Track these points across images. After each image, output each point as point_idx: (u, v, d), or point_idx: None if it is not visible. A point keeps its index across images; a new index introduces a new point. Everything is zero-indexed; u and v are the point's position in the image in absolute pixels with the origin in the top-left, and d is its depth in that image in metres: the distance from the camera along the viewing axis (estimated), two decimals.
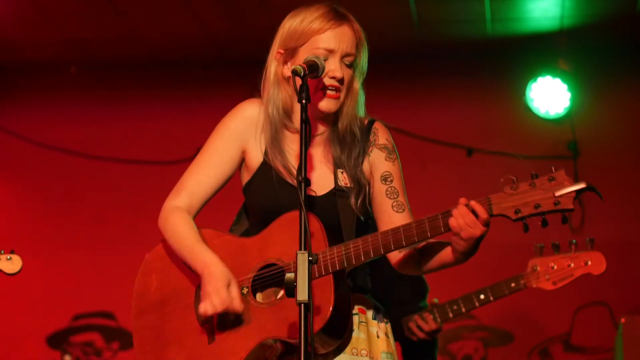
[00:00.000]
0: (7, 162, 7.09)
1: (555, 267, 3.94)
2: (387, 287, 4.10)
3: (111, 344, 6.85)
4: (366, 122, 3.02)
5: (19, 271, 3.62)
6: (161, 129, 6.98)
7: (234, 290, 2.82)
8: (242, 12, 6.10)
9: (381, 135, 3.01)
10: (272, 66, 2.97)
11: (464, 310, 4.12)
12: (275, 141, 2.94)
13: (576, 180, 2.69)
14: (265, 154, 2.97)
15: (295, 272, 2.54)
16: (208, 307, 2.81)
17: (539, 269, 3.97)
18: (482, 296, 4.11)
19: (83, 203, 6.98)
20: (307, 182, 2.65)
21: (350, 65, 2.94)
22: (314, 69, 2.78)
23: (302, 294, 2.52)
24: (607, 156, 6.54)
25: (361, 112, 3.01)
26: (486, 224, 2.69)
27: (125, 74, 7.10)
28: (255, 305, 2.85)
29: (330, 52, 2.90)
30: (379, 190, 2.95)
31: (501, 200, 2.67)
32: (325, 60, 2.89)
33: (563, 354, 6.45)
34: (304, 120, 2.66)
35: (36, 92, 7.16)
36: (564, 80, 6.52)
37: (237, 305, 2.81)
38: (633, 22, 6.28)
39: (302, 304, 2.52)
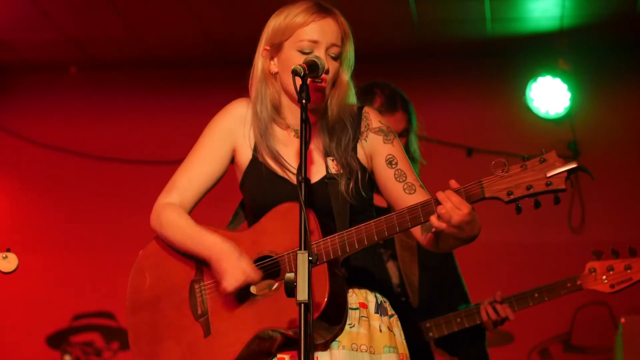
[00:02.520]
0: (7, 162, 7.09)
1: (614, 270, 3.89)
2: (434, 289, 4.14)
3: (111, 344, 6.85)
4: (355, 108, 3.02)
5: (15, 269, 3.60)
6: (161, 129, 6.97)
7: (247, 262, 2.83)
8: (242, 12, 6.10)
9: (373, 118, 3.01)
10: (259, 63, 3.01)
11: (516, 308, 4.12)
12: (264, 137, 2.96)
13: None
14: (255, 150, 2.99)
15: (295, 271, 2.54)
16: (231, 282, 2.81)
17: (596, 270, 3.92)
18: (536, 295, 4.10)
19: (83, 203, 6.98)
20: (307, 182, 2.65)
21: (336, 58, 2.95)
22: (314, 68, 2.79)
23: (302, 294, 2.52)
24: (607, 156, 6.53)
25: (352, 100, 3.02)
26: (467, 208, 2.65)
27: (125, 74, 7.10)
28: (250, 297, 2.86)
29: (315, 43, 2.91)
30: (387, 175, 2.95)
31: (493, 183, 2.65)
32: (310, 52, 2.91)
33: (563, 354, 6.45)
34: (304, 120, 2.67)
35: (36, 92, 7.16)
36: (564, 80, 6.52)
37: (256, 275, 2.82)
38: (633, 22, 6.28)
39: (302, 304, 2.52)
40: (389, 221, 2.74)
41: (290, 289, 2.53)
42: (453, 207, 2.65)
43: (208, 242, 2.89)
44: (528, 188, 2.60)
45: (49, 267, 6.83)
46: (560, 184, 2.57)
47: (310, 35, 2.91)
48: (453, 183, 2.70)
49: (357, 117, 3.00)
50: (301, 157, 2.66)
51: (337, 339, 2.84)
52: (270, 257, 2.87)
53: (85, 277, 6.83)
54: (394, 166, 2.95)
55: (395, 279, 4.08)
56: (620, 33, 6.43)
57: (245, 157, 3.01)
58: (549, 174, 2.58)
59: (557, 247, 6.43)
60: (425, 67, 6.75)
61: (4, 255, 3.59)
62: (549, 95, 6.55)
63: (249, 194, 3.00)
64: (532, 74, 6.54)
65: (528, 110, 6.59)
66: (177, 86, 7.04)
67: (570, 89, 6.52)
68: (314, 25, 2.92)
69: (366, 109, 3.02)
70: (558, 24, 6.29)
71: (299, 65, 2.76)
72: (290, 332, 2.79)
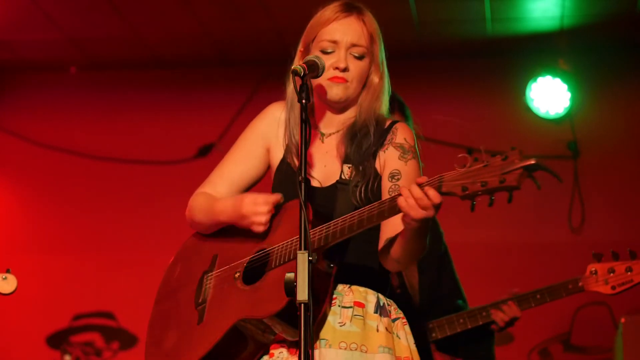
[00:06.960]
0: (7, 162, 7.10)
1: (615, 271, 3.91)
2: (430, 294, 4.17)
3: (111, 344, 6.85)
4: (389, 122, 3.01)
5: (14, 291, 3.60)
6: (161, 129, 6.97)
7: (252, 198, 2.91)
8: (242, 12, 6.10)
9: (399, 134, 2.98)
10: (294, 65, 3.00)
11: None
12: (294, 138, 2.99)
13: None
14: (285, 151, 3.03)
15: (296, 272, 2.54)
16: (260, 217, 2.88)
17: (598, 272, 3.94)
18: (538, 296, 4.12)
19: (83, 203, 6.98)
20: (307, 182, 2.65)
21: (361, 57, 2.94)
22: (313, 69, 2.79)
23: (302, 294, 2.52)
24: (607, 156, 6.53)
25: (384, 108, 3.01)
26: (428, 207, 2.60)
27: (125, 74, 7.11)
28: (240, 289, 2.90)
29: (335, 43, 2.92)
30: (385, 187, 2.93)
31: (452, 178, 2.56)
32: (332, 52, 2.91)
33: (563, 354, 6.45)
34: (304, 120, 2.67)
35: (36, 92, 7.16)
36: (564, 80, 6.52)
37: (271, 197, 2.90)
38: (633, 22, 6.28)
39: (302, 304, 2.52)
40: (360, 214, 2.73)
41: (290, 289, 2.54)
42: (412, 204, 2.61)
43: (225, 207, 2.97)
44: (483, 184, 2.50)
45: (49, 267, 6.83)
46: (512, 181, 2.46)
47: (330, 35, 2.92)
48: (418, 179, 2.63)
49: (386, 130, 2.99)
50: (301, 157, 2.66)
51: (325, 337, 2.83)
52: (264, 249, 2.91)
53: (85, 277, 6.83)
54: (393, 181, 2.91)
55: (394, 281, 4.09)
56: (620, 33, 6.43)
57: (276, 158, 3.06)
58: (504, 171, 2.48)
59: (557, 247, 6.43)
60: (425, 67, 6.75)
61: (4, 277, 3.57)
62: (549, 95, 6.55)
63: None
64: (532, 74, 6.54)
65: (528, 110, 6.59)
66: (177, 86, 7.04)
67: (570, 89, 6.52)
68: (335, 25, 2.93)
69: (397, 125, 3.00)
70: (558, 24, 6.29)
71: (299, 65, 2.77)
72: (267, 320, 2.79)
